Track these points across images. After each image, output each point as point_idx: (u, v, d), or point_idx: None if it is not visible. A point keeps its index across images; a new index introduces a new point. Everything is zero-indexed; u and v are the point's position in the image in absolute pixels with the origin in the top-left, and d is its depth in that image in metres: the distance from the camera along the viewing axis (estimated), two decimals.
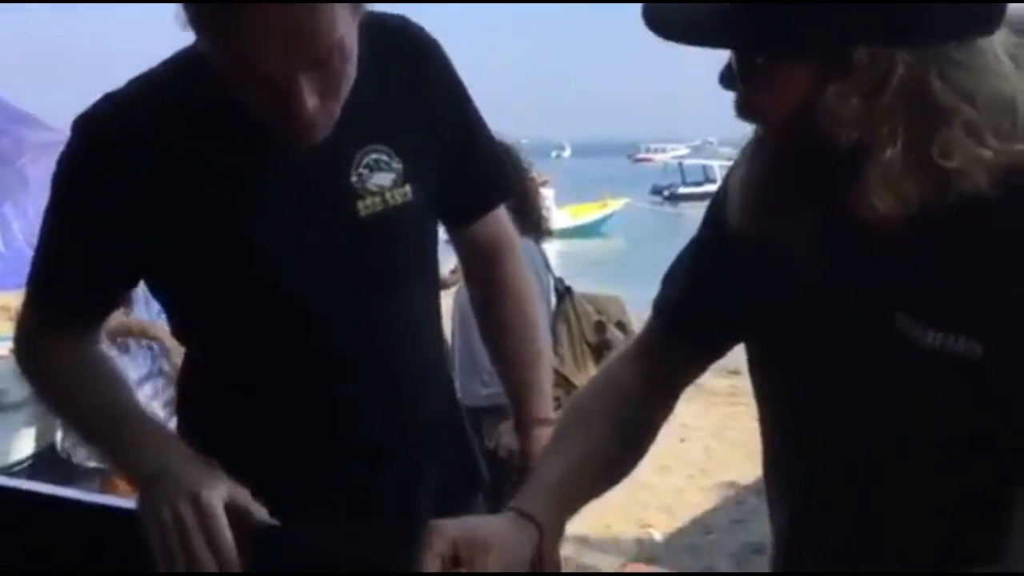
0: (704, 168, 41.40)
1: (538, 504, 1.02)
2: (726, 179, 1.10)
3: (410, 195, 1.29)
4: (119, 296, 1.38)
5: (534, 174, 3.22)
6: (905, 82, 0.80)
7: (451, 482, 1.44)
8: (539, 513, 1.01)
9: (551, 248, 3.40)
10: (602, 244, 22.20)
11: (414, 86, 1.31)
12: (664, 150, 73.46)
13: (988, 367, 0.84)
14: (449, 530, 0.96)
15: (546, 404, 1.52)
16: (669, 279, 1.16)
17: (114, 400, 1.28)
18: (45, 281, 1.32)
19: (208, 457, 1.19)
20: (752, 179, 0.93)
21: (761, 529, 4.80)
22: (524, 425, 1.51)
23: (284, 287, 1.25)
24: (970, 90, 0.81)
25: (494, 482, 1.62)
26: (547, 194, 3.34)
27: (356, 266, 1.28)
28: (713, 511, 5.18)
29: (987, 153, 0.81)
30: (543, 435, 1.46)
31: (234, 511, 1.11)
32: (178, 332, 1.40)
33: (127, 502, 1.23)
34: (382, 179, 1.27)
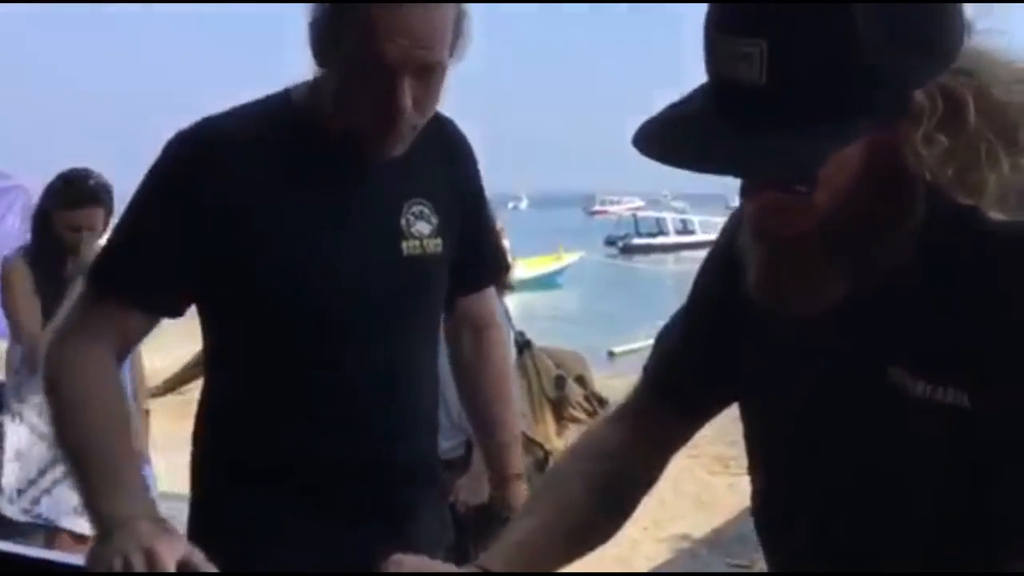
0: (657, 220, 41.85)
1: (502, 562, 1.02)
2: (722, 247, 1.09)
3: (441, 248, 1.48)
4: (175, 303, 1.43)
5: (500, 226, 3.23)
6: (975, 101, 0.82)
7: (430, 529, 1.55)
8: (501, 570, 1.01)
9: (507, 300, 3.41)
10: (557, 296, 22.27)
11: (450, 166, 1.54)
12: (620, 202, 74.15)
13: (976, 417, 0.85)
14: (409, 564, 0.96)
15: (519, 460, 1.71)
16: (660, 342, 1.16)
17: (106, 437, 1.32)
18: (111, 271, 1.42)
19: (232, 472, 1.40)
20: (762, 260, 0.91)
21: None
22: (504, 479, 1.68)
23: (326, 305, 1.40)
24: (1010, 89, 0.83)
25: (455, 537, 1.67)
26: (506, 246, 3.36)
27: (392, 297, 1.44)
28: (667, 563, 5.16)
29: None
30: (520, 488, 1.68)
31: (185, 570, 1.11)
32: (216, 352, 1.49)
33: (74, 557, 1.22)
34: (423, 228, 1.46)
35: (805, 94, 0.79)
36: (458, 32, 1.35)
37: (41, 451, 3.03)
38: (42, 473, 3.04)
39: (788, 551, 1.06)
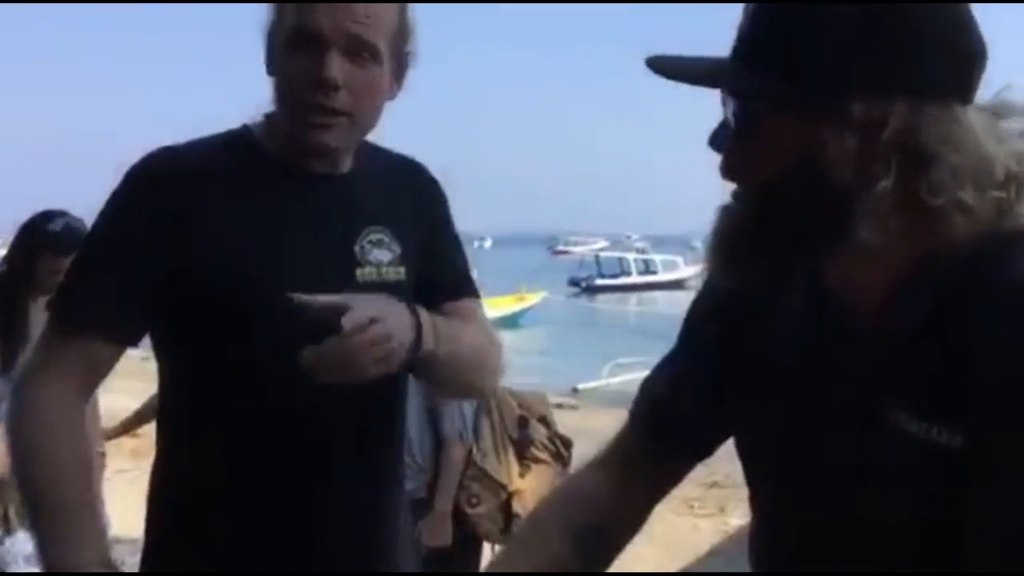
0: (620, 261, 42.11)
1: None
2: (710, 289, 1.10)
3: (403, 276, 1.47)
4: (138, 331, 1.41)
5: None
6: (899, 127, 0.85)
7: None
8: None
9: None
10: (520, 335, 22.30)
11: (414, 200, 1.53)
12: (584, 243, 74.69)
13: (968, 458, 0.85)
14: None
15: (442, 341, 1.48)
16: (648, 386, 1.16)
17: (65, 484, 1.31)
18: (76, 304, 1.40)
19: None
20: (725, 233, 0.94)
21: None
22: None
23: (279, 332, 1.34)
24: (955, 142, 0.85)
25: None
26: None
27: None
28: None
29: (967, 197, 0.85)
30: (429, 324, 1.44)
31: None
32: (172, 390, 1.45)
33: None
34: (381, 255, 1.46)
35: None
36: (401, 27, 1.39)
37: None
38: None
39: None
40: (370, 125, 1.42)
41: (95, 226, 1.43)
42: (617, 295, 36.23)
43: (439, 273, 1.55)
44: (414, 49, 1.42)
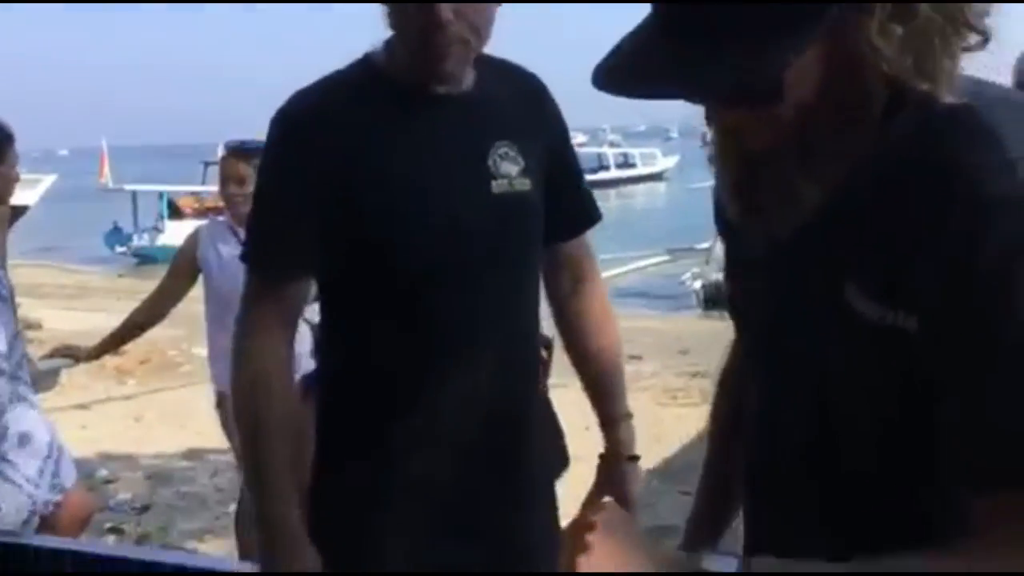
0: (599, 156, 41.85)
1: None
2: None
3: (529, 186, 1.57)
4: (319, 262, 1.55)
5: None
6: None
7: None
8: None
9: None
10: None
11: (533, 112, 1.64)
12: None
13: (921, 342, 0.84)
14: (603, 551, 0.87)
15: (625, 402, 1.82)
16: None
17: (280, 446, 1.51)
18: (272, 253, 1.55)
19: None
20: (736, 180, 0.93)
21: (667, 512, 4.88)
22: (613, 420, 1.80)
23: (429, 246, 1.50)
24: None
25: None
26: None
27: (490, 236, 1.53)
28: None
29: (879, 42, 0.82)
30: (630, 428, 1.84)
31: None
32: (332, 320, 1.62)
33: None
34: (509, 168, 1.56)
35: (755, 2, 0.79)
36: None
37: (49, 430, 2.83)
38: (49, 447, 2.84)
39: (751, 466, 1.08)
40: (485, 40, 1.50)
41: (263, 177, 1.60)
42: (597, 191, 36.00)
43: (565, 195, 1.66)
44: None
